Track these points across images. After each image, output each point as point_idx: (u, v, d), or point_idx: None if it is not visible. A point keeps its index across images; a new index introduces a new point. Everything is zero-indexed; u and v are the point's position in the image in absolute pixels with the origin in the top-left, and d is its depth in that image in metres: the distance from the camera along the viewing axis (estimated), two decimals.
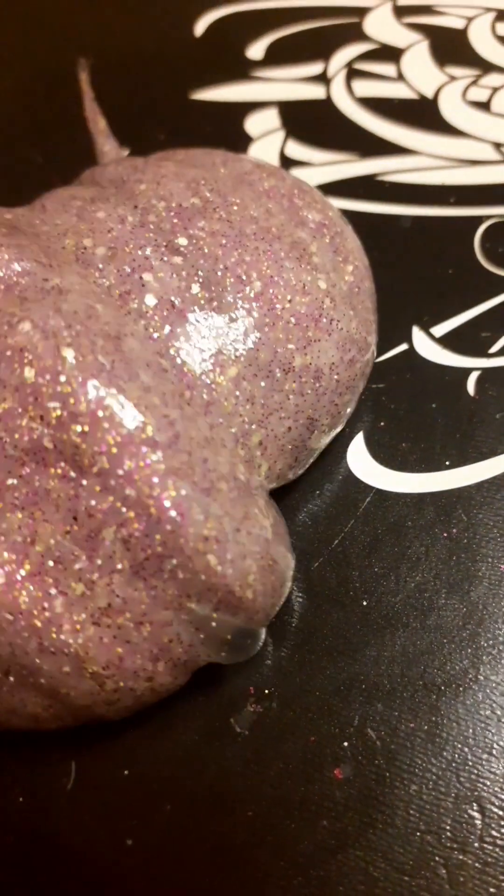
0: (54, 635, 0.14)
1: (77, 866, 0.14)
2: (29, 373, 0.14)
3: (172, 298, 0.15)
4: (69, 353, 0.14)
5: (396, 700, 0.15)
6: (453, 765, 0.14)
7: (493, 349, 0.20)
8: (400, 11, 0.28)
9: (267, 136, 0.25)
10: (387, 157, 0.24)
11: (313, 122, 0.25)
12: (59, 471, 0.14)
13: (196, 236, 0.16)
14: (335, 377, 0.16)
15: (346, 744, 0.15)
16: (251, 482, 0.15)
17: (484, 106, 0.25)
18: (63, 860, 0.14)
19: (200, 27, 0.29)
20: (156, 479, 0.13)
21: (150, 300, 0.15)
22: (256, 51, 0.28)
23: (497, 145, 0.24)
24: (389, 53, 0.27)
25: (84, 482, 0.14)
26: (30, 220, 0.17)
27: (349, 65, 0.27)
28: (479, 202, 0.22)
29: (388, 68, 0.26)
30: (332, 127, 0.25)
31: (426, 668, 0.15)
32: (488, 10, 0.28)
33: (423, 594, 0.16)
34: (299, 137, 0.25)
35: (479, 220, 0.22)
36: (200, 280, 0.16)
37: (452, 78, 0.26)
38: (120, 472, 0.13)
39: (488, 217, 0.22)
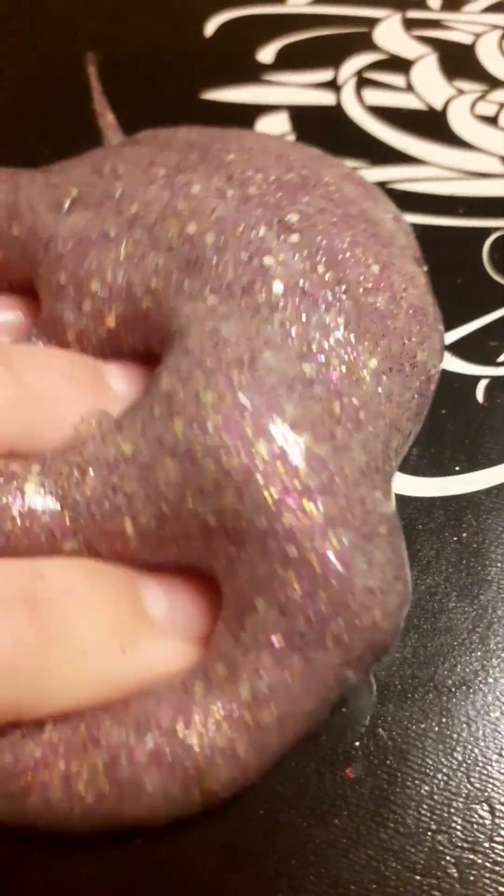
0: (180, 735, 0.12)
1: (83, 864, 0.14)
2: (178, 424, 0.12)
3: (301, 282, 0.14)
4: (208, 397, 0.12)
5: (407, 701, 0.15)
6: (464, 765, 0.15)
7: (502, 358, 0.20)
8: (409, 24, 0.28)
9: None
10: (397, 166, 0.24)
11: (324, 128, 0.25)
12: (223, 558, 0.12)
13: (306, 213, 0.14)
14: (433, 385, 0.15)
15: (357, 743, 0.15)
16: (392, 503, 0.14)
17: (492, 120, 0.25)
18: (67, 858, 0.14)
19: (210, 28, 0.29)
20: (317, 531, 0.12)
21: (278, 287, 0.13)
22: (267, 54, 0.28)
23: None
24: (399, 64, 0.27)
25: (242, 555, 0.12)
26: (106, 190, 0.15)
27: (359, 73, 0.27)
28: (487, 214, 0.23)
29: (397, 79, 0.27)
30: (343, 134, 0.25)
31: (437, 669, 0.16)
32: (495, 27, 0.28)
33: (433, 597, 0.16)
34: (310, 142, 0.25)
35: (487, 231, 0.22)
36: (323, 260, 0.14)
37: (461, 91, 0.26)
38: (279, 529, 0.12)
39: (496, 229, 0.23)
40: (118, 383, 0.15)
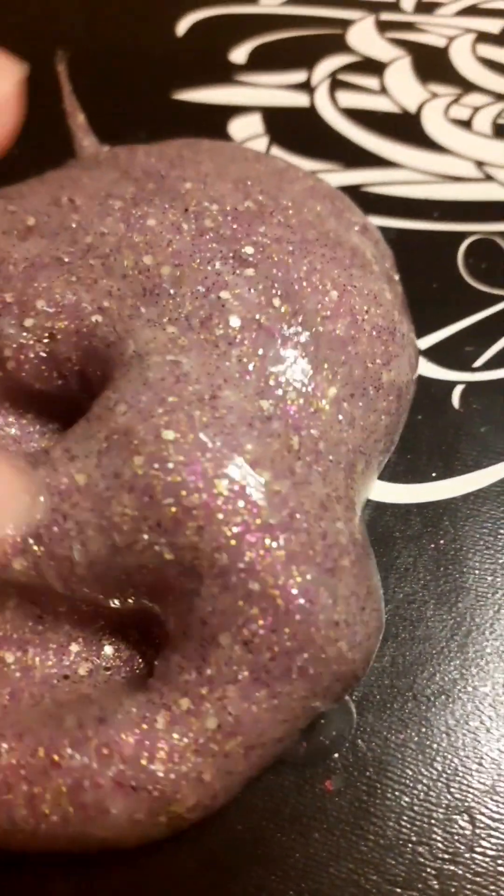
0: (144, 763, 0.12)
1: (59, 885, 0.14)
2: (138, 461, 0.12)
3: (257, 316, 0.14)
4: (169, 435, 0.12)
5: (386, 711, 0.15)
6: (444, 776, 0.15)
7: (477, 364, 0.20)
8: (383, 26, 0.28)
9: (251, 141, 0.25)
10: (371, 169, 0.24)
11: (297, 130, 0.25)
12: (179, 591, 0.12)
13: (261, 243, 0.15)
14: (408, 396, 0.15)
15: (336, 755, 0.15)
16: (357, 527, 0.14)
17: (465, 124, 0.25)
18: (44, 880, 0.14)
19: (182, 27, 0.28)
20: (279, 567, 0.12)
21: (235, 321, 0.14)
22: (239, 55, 0.27)
23: (479, 163, 0.24)
24: (373, 66, 0.27)
25: (202, 590, 0.12)
26: (62, 221, 0.15)
27: (333, 75, 0.27)
28: (462, 218, 0.23)
29: (371, 81, 0.27)
30: (317, 136, 0.25)
31: (416, 679, 0.15)
32: (468, 30, 0.28)
33: (411, 605, 0.16)
34: (284, 144, 0.25)
35: (462, 235, 0.22)
36: (279, 293, 0.14)
37: (435, 95, 0.26)
38: (241, 565, 0.12)
39: (471, 233, 0.22)
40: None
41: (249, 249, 0.15)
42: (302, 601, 0.12)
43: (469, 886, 0.14)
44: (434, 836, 0.14)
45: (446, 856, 0.14)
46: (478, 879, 0.14)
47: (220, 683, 0.12)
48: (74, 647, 0.14)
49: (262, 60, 0.27)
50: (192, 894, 0.14)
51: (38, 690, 0.13)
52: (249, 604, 0.12)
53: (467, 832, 0.14)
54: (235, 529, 0.12)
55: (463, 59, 0.27)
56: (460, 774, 0.15)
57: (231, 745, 0.12)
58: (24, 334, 0.14)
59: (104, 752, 0.12)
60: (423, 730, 0.15)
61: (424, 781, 0.14)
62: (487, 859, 0.14)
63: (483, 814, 0.14)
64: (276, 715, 0.12)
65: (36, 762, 0.12)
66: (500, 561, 0.17)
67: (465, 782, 0.14)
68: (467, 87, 0.26)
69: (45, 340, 0.14)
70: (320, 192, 0.17)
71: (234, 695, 0.12)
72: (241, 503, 0.12)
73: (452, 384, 0.20)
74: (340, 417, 0.14)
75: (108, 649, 0.14)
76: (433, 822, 0.14)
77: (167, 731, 0.12)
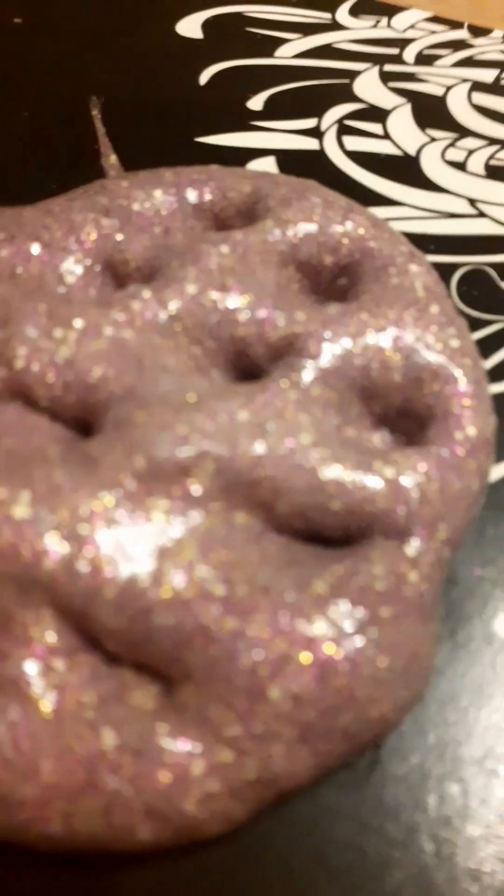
0: (176, 801, 0.11)
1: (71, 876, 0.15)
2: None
3: None
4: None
5: None
6: (436, 747, 0.16)
7: None
8: (386, 76, 0.30)
9: None
10: (374, 207, 0.25)
11: (308, 172, 0.27)
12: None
13: None
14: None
15: None
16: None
17: (460, 166, 0.27)
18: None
19: (205, 77, 0.30)
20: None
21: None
22: (256, 103, 0.29)
23: (471, 201, 0.26)
24: (376, 113, 0.29)
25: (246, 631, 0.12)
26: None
27: (340, 121, 0.28)
28: (455, 251, 0.24)
29: (375, 126, 0.28)
30: (325, 176, 0.26)
31: None
32: (464, 80, 0.30)
33: None
34: None
35: (455, 266, 0.24)
36: None
37: (433, 139, 0.28)
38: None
39: (464, 264, 0.24)
40: None
41: None
42: (344, 652, 0.12)
43: (462, 847, 0.15)
44: (428, 802, 0.15)
45: (440, 820, 0.15)
46: (469, 842, 0.15)
47: (267, 741, 0.11)
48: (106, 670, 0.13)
49: (277, 108, 0.29)
50: (198, 847, 0.14)
51: (75, 707, 0.12)
52: (297, 650, 0.11)
53: (458, 799, 0.15)
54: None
55: (459, 106, 0.29)
56: (451, 746, 0.16)
57: (266, 794, 0.12)
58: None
59: (139, 783, 0.12)
60: (418, 706, 0.16)
61: (419, 752, 0.16)
62: (477, 823, 0.15)
63: (472, 782, 0.15)
64: (313, 771, 0.12)
65: (74, 784, 0.12)
66: (486, 555, 0.18)
67: (456, 753, 0.16)
68: (463, 131, 0.28)
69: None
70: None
71: (279, 753, 0.12)
72: None
73: None
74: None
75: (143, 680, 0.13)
76: (427, 789, 0.15)
77: (204, 780, 0.12)
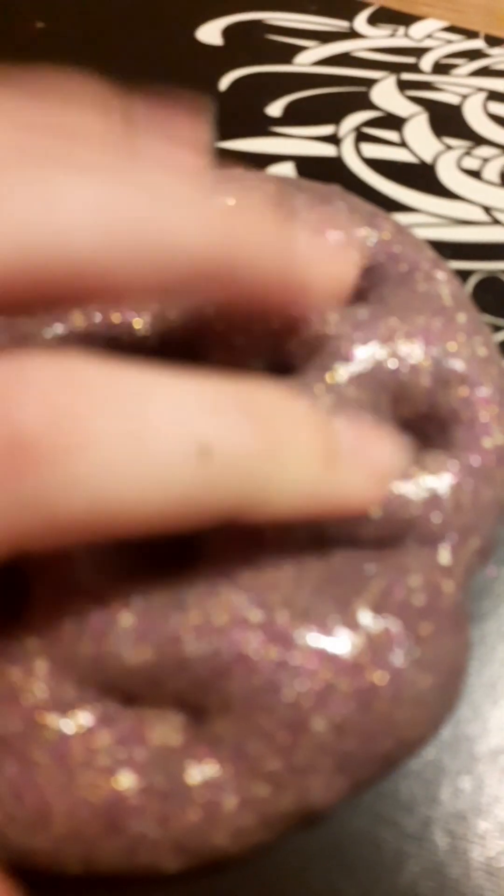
0: (206, 837, 0.11)
1: None
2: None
3: None
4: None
5: None
6: (450, 743, 0.16)
7: None
8: (403, 85, 0.30)
9: None
10: (391, 214, 0.26)
11: (326, 178, 0.27)
12: None
13: None
14: None
15: None
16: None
17: (475, 174, 0.27)
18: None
19: (225, 83, 0.30)
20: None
21: None
22: (275, 109, 0.29)
23: (486, 208, 0.26)
24: (393, 121, 0.29)
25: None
26: None
27: (358, 129, 0.29)
28: (471, 257, 0.24)
29: (392, 134, 0.28)
30: (343, 183, 0.26)
31: None
32: (480, 89, 0.30)
33: None
34: None
35: (470, 272, 0.24)
36: None
37: (449, 147, 0.28)
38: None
39: (479, 271, 0.24)
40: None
41: None
42: (389, 676, 0.11)
43: (475, 842, 0.15)
44: (442, 797, 0.15)
45: (454, 814, 0.15)
46: (482, 836, 0.15)
47: (306, 774, 0.11)
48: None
49: (296, 115, 0.29)
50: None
51: (84, 754, 0.11)
52: (341, 679, 0.11)
53: (472, 794, 0.15)
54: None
55: (475, 115, 0.29)
56: (465, 742, 0.16)
57: (298, 821, 0.11)
58: None
59: (167, 823, 0.11)
60: None
61: (434, 748, 0.16)
62: (491, 818, 0.15)
63: (486, 777, 0.15)
64: (349, 796, 0.12)
65: (92, 831, 0.11)
66: (500, 555, 0.18)
67: (470, 749, 0.16)
68: (478, 140, 0.28)
69: None
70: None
71: (317, 784, 0.11)
72: None
73: None
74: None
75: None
76: (442, 784, 0.15)
77: (236, 814, 0.11)
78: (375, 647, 0.11)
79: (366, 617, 0.12)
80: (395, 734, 0.11)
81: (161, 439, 0.10)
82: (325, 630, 0.11)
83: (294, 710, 0.11)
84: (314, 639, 0.11)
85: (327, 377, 0.14)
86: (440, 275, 0.16)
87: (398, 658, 0.11)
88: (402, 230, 0.17)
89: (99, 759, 0.11)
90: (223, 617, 0.11)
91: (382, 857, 0.15)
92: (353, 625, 0.12)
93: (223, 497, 0.10)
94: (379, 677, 0.11)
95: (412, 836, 0.15)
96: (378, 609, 0.12)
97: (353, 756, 0.11)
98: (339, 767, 0.11)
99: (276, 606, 0.11)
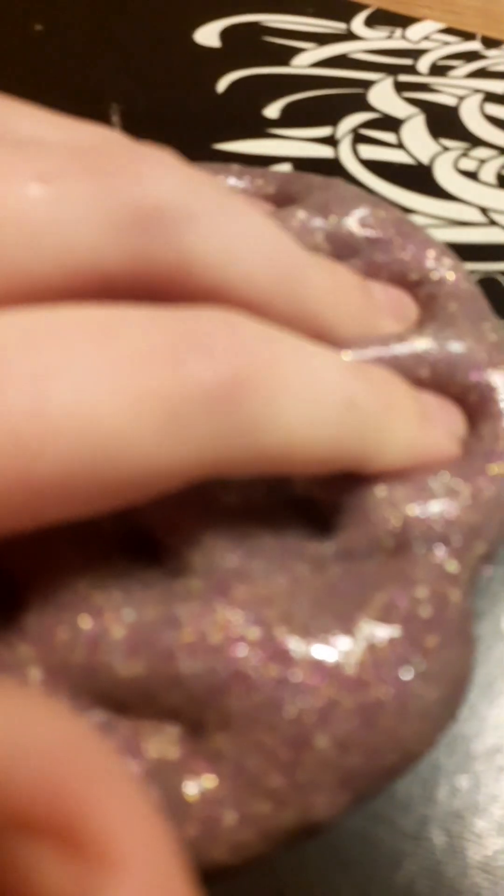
0: (204, 852, 0.10)
1: None
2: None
3: None
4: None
5: None
6: (447, 742, 0.16)
7: None
8: (400, 87, 0.30)
9: None
10: None
11: None
12: None
13: None
14: None
15: None
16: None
17: (472, 175, 0.27)
18: None
19: (222, 85, 0.30)
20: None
21: None
22: (273, 111, 0.29)
23: (483, 210, 0.26)
24: (390, 123, 0.29)
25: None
26: None
27: (355, 130, 0.29)
28: (467, 258, 0.24)
29: (389, 136, 0.28)
30: None
31: None
32: (477, 91, 0.30)
33: None
34: None
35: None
36: None
37: (446, 149, 0.28)
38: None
39: (476, 272, 0.24)
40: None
41: None
42: (394, 691, 0.11)
43: (472, 841, 0.15)
44: (439, 795, 0.15)
45: (451, 813, 0.15)
46: (479, 835, 0.15)
47: (308, 790, 0.10)
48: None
49: (293, 116, 0.29)
50: None
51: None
52: (344, 695, 0.11)
53: (469, 793, 0.15)
54: None
55: (472, 116, 0.29)
56: (462, 741, 0.16)
57: (297, 834, 0.11)
58: None
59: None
60: None
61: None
62: (487, 817, 0.15)
63: (483, 776, 0.15)
64: (351, 809, 0.11)
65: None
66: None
67: (467, 748, 0.16)
68: (475, 141, 0.28)
69: None
70: None
71: (320, 801, 0.11)
72: None
73: None
74: None
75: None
76: (438, 782, 0.15)
77: (236, 830, 0.10)
78: (379, 661, 0.11)
79: (369, 630, 0.11)
80: (400, 748, 0.11)
81: (327, 390, 0.12)
82: (327, 645, 0.11)
83: (296, 726, 0.10)
84: (315, 654, 0.11)
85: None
86: (448, 261, 0.16)
87: (403, 672, 0.11)
88: (407, 219, 0.17)
89: None
90: (218, 635, 0.11)
91: (379, 855, 0.15)
92: (355, 639, 0.11)
93: (356, 445, 0.12)
94: (384, 692, 0.11)
95: (409, 834, 0.15)
96: (382, 622, 0.11)
97: (356, 771, 0.11)
98: (342, 783, 0.11)
99: (274, 622, 0.11)
